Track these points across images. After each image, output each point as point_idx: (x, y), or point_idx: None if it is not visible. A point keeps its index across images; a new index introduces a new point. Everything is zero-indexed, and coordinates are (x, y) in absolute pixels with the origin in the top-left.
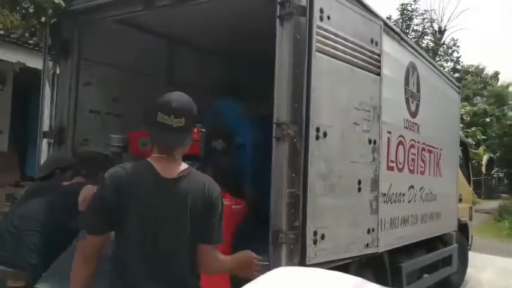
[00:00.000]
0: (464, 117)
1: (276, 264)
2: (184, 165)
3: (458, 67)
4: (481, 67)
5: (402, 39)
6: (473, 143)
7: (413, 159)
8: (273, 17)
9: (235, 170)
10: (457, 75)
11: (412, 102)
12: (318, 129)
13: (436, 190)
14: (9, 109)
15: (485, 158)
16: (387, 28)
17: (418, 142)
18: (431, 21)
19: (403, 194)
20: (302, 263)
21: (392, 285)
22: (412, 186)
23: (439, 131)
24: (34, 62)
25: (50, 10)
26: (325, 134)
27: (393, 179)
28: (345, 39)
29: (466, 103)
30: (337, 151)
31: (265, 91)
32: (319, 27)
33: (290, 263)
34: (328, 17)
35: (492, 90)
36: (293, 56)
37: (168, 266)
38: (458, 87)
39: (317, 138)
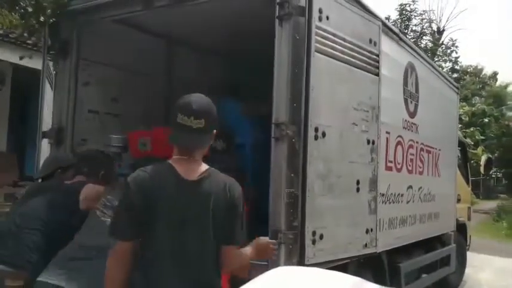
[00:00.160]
0: (463, 118)
1: (275, 264)
2: (205, 166)
3: (457, 67)
4: (479, 67)
5: (401, 39)
6: (472, 143)
7: (411, 160)
8: (272, 17)
9: (235, 170)
10: (455, 75)
11: (411, 102)
12: (316, 130)
13: (434, 190)
14: (8, 109)
15: (483, 158)
16: (386, 28)
17: (417, 142)
18: (430, 21)
19: (402, 194)
20: (301, 262)
21: (390, 285)
22: (410, 187)
23: (438, 131)
24: (33, 62)
25: (49, 10)
26: (323, 134)
27: (392, 179)
28: (344, 40)
29: (464, 103)
30: (336, 151)
31: (265, 91)
32: (318, 27)
33: (289, 262)
34: (327, 18)
35: (491, 90)
36: (292, 56)
37: (194, 266)
38: (457, 88)
39: (316, 138)
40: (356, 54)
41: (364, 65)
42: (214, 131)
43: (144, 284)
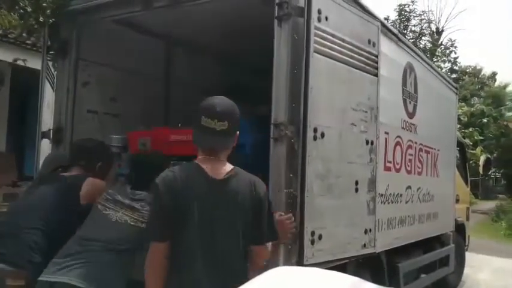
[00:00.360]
0: (462, 118)
1: (274, 264)
2: (230, 166)
3: (456, 68)
4: (478, 68)
5: (400, 40)
6: (471, 143)
7: (410, 160)
8: (271, 17)
9: None
10: (454, 75)
11: (410, 102)
12: (315, 130)
13: (433, 191)
14: (7, 109)
15: (482, 159)
16: (384, 29)
17: (416, 143)
18: (429, 22)
19: (401, 195)
20: (300, 263)
21: (389, 286)
22: (409, 187)
23: (437, 131)
24: (33, 62)
25: (48, 10)
26: (322, 135)
27: (390, 179)
28: (343, 40)
29: (463, 104)
30: (335, 152)
31: (265, 91)
32: (317, 28)
33: (288, 263)
34: (326, 18)
35: (489, 90)
36: (291, 57)
37: (224, 266)
38: (456, 88)
39: (315, 138)
40: (355, 55)
41: (363, 65)
42: (238, 132)
43: (176, 284)
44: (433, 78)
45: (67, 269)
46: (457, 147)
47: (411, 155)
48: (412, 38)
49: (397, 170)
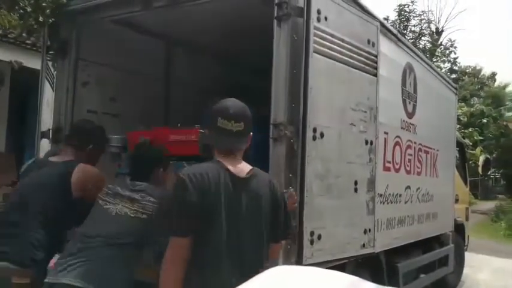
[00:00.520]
0: (461, 118)
1: (273, 263)
2: (248, 165)
3: (456, 68)
4: (478, 68)
5: (399, 40)
6: (470, 143)
7: (409, 160)
8: (271, 17)
9: None
10: (454, 76)
11: (409, 103)
12: (315, 130)
13: (432, 191)
14: (7, 109)
15: (481, 159)
16: (384, 29)
17: (415, 143)
18: (429, 22)
19: (400, 195)
20: (299, 262)
21: (389, 286)
22: (408, 187)
23: (436, 131)
24: (32, 62)
25: (48, 10)
26: (322, 135)
27: (390, 179)
28: (342, 40)
29: (463, 104)
30: (334, 152)
31: (265, 91)
32: (316, 28)
33: (287, 262)
34: (326, 18)
35: (489, 91)
36: (290, 57)
37: (251, 264)
38: (455, 88)
39: (314, 138)
40: (354, 55)
41: (363, 65)
42: (251, 133)
43: (201, 283)
44: (433, 79)
45: (68, 269)
46: (457, 147)
47: (410, 155)
48: (412, 38)
49: (397, 170)
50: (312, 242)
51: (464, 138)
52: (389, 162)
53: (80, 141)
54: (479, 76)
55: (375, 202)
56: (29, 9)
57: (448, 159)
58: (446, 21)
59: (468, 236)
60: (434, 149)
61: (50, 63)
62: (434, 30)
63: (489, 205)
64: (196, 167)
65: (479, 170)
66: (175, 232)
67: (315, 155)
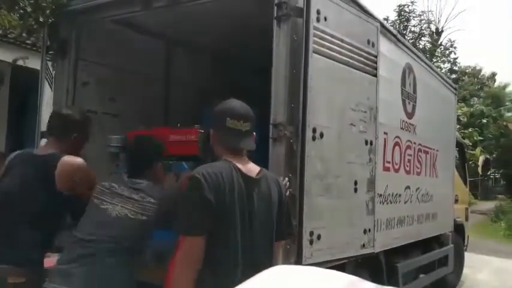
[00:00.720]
0: (461, 118)
1: (273, 263)
2: (254, 165)
3: (456, 68)
4: (478, 68)
5: (399, 40)
6: (470, 144)
7: (409, 160)
8: (270, 17)
9: None
10: (454, 76)
11: (409, 103)
12: (314, 130)
13: (432, 191)
14: (7, 109)
15: (481, 159)
16: (384, 29)
17: (415, 143)
18: (429, 22)
19: (399, 195)
20: (298, 262)
21: (388, 286)
22: (408, 187)
23: (436, 132)
24: (32, 61)
25: (48, 10)
26: (321, 135)
27: (389, 179)
28: (342, 41)
29: (462, 104)
30: (334, 152)
31: (264, 91)
32: (316, 28)
33: (286, 262)
34: (325, 18)
35: (489, 91)
36: (290, 57)
37: (263, 263)
38: (455, 88)
39: (313, 138)
40: (354, 55)
41: (362, 65)
42: (254, 133)
43: (214, 283)
44: (432, 79)
45: (70, 277)
46: (456, 147)
47: (410, 155)
48: (412, 39)
49: (396, 170)
50: (311, 242)
51: (464, 139)
52: (389, 162)
53: (64, 130)
54: (479, 76)
55: (374, 202)
56: (29, 9)
57: (447, 160)
58: (446, 22)
59: (468, 236)
60: (433, 149)
61: (49, 63)
62: (434, 31)
63: (489, 205)
64: (209, 166)
65: (479, 170)
66: (190, 231)
67: (314, 155)
